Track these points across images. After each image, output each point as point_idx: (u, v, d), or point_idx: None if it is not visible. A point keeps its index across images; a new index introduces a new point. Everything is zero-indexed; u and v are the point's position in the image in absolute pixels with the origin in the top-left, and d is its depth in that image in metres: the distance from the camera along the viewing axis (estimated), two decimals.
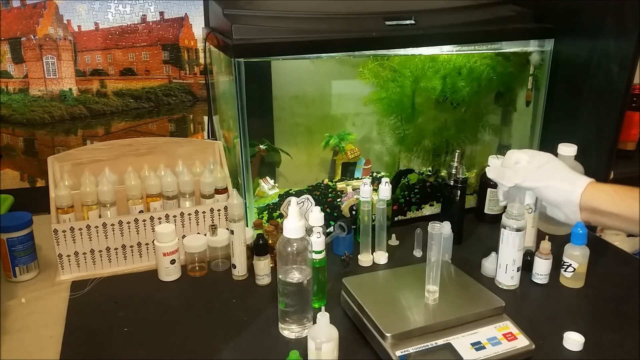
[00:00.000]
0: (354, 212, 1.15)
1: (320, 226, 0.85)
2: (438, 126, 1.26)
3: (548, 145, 1.20)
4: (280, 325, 0.83)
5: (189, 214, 1.04)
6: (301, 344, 0.78)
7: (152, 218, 1.01)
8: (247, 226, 1.06)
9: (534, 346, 0.77)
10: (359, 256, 1.05)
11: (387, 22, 1.09)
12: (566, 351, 0.80)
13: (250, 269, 0.98)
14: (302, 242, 0.79)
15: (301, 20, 1.07)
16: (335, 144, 1.28)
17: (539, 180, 0.82)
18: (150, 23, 1.27)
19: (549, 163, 0.84)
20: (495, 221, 1.07)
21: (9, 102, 1.23)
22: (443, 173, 1.26)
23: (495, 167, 0.89)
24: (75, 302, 0.92)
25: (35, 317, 0.89)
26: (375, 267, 1.04)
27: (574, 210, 0.79)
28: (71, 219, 1.00)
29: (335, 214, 1.16)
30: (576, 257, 0.95)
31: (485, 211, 1.21)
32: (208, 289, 0.97)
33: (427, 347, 0.75)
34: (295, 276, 0.80)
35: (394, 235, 1.13)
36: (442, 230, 0.80)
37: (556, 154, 1.11)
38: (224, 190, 1.09)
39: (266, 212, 1.15)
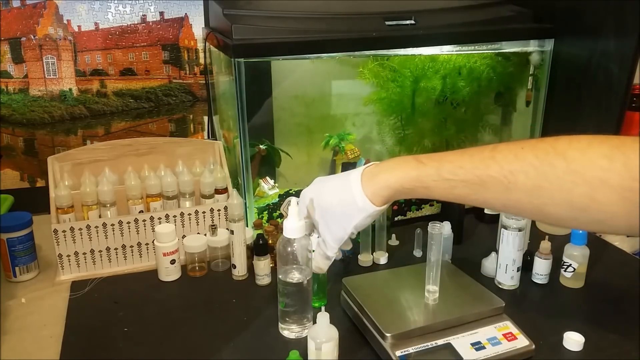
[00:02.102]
0: None
1: None
2: (438, 126, 1.26)
3: None
4: (280, 325, 0.83)
5: (189, 214, 1.04)
6: (301, 344, 0.78)
7: (152, 218, 1.01)
8: (247, 226, 1.06)
9: (534, 346, 0.77)
10: (359, 256, 1.05)
11: (387, 22, 1.09)
12: (566, 351, 0.80)
13: (250, 269, 0.98)
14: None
15: (301, 20, 1.07)
16: (335, 144, 1.28)
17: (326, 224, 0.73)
18: (150, 23, 1.27)
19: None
20: (495, 221, 1.07)
21: (9, 102, 1.23)
22: None
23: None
24: (75, 302, 0.92)
25: (35, 317, 0.89)
26: (375, 267, 1.04)
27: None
28: (71, 219, 1.00)
29: None
30: (576, 257, 0.95)
31: (485, 211, 1.21)
32: (208, 289, 0.97)
33: (427, 347, 0.75)
34: (295, 276, 0.80)
35: (394, 235, 1.13)
36: (442, 230, 0.80)
37: None
38: (224, 190, 1.09)
39: (266, 212, 1.15)
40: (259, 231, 1.03)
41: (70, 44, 1.23)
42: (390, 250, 1.07)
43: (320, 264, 0.77)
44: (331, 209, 0.72)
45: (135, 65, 1.29)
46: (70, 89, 1.26)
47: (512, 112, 1.35)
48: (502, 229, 0.92)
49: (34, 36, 1.20)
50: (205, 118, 1.37)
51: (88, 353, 0.79)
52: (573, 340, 0.79)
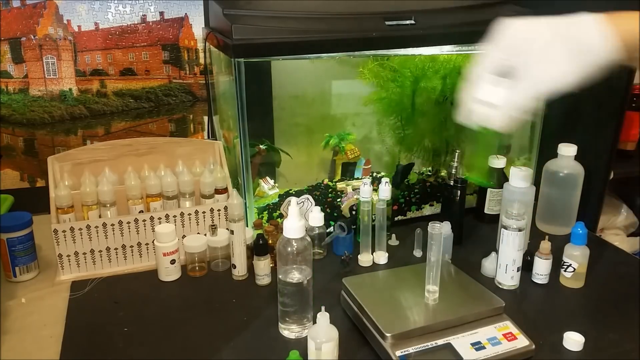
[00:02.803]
0: (354, 212, 1.15)
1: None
2: (438, 126, 1.25)
3: (548, 145, 1.20)
4: (280, 325, 0.83)
5: (189, 214, 1.04)
6: (301, 344, 0.78)
7: (152, 218, 1.01)
8: (247, 226, 1.06)
9: (534, 346, 0.77)
10: (359, 256, 1.05)
11: (387, 22, 1.09)
12: (566, 351, 0.80)
13: (250, 269, 0.98)
14: (302, 242, 0.79)
15: (301, 20, 1.07)
16: (335, 144, 1.28)
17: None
18: (150, 23, 1.27)
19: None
20: (495, 221, 1.07)
21: (9, 102, 1.23)
22: (443, 173, 1.26)
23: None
24: (75, 302, 0.92)
25: (35, 317, 0.89)
26: (375, 267, 1.04)
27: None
28: (71, 219, 1.00)
29: (335, 214, 1.16)
30: (576, 257, 0.95)
31: (485, 211, 1.21)
32: (208, 289, 0.97)
33: (427, 347, 0.75)
34: (295, 276, 0.80)
35: (394, 235, 1.13)
36: (442, 230, 0.80)
37: (556, 155, 1.12)
38: (224, 190, 1.09)
39: (266, 212, 1.15)
40: (259, 231, 1.03)
41: (70, 44, 1.23)
42: (390, 250, 1.07)
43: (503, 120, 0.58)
44: (546, 47, 0.58)
45: (135, 65, 1.29)
46: (70, 89, 1.26)
47: None
48: (502, 229, 0.92)
49: (34, 36, 1.20)
50: (205, 118, 1.37)
51: (88, 353, 0.79)
52: (573, 340, 0.79)
